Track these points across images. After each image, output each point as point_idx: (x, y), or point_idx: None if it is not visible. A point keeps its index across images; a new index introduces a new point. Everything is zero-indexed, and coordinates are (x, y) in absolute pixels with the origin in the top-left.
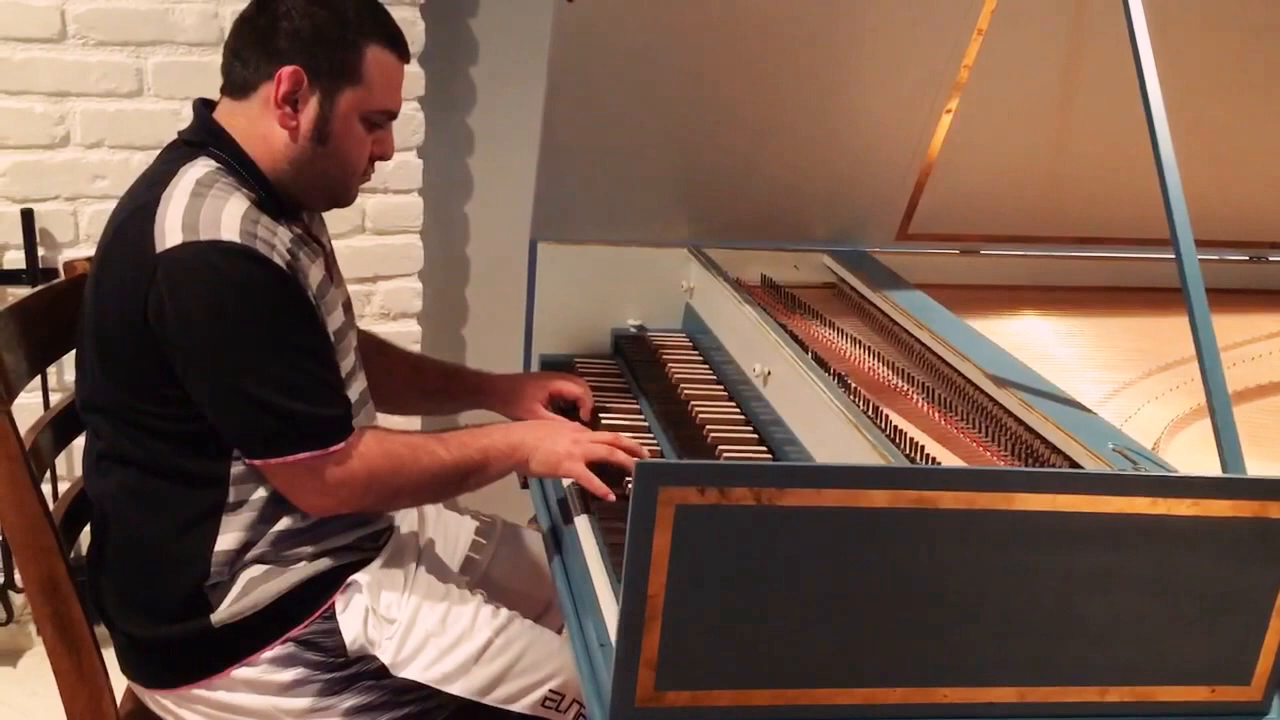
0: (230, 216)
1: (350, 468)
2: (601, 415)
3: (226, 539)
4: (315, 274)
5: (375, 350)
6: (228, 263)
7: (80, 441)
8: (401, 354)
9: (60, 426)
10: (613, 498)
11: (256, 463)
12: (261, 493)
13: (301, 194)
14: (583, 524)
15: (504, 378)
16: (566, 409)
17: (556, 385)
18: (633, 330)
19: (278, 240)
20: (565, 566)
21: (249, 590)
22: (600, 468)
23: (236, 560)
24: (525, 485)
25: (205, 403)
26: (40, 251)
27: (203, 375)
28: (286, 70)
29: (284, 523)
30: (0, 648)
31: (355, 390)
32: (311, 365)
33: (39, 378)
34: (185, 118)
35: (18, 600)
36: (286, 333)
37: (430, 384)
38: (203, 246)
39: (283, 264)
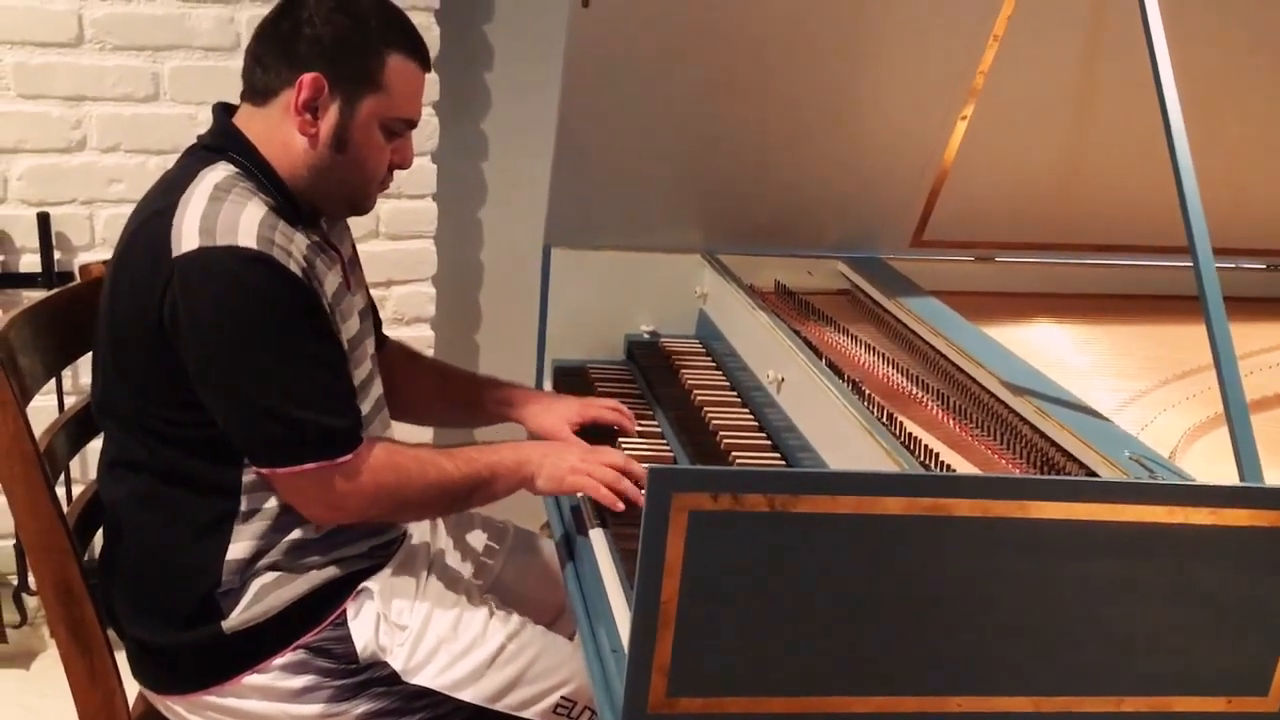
0: (248, 222)
1: (357, 480)
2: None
3: (238, 548)
4: (332, 281)
5: (404, 358)
6: (243, 268)
7: (95, 444)
8: (429, 363)
9: (75, 429)
10: (620, 507)
11: (263, 471)
12: (274, 502)
13: (320, 201)
14: (596, 534)
15: (537, 394)
16: (602, 435)
17: (593, 413)
18: (646, 336)
19: (294, 247)
20: (578, 572)
21: (261, 597)
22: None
23: (248, 568)
24: None
25: (215, 408)
26: (56, 255)
27: (213, 380)
28: (307, 77)
29: (296, 532)
30: (14, 650)
31: (370, 398)
32: (322, 374)
33: (54, 380)
34: (201, 122)
35: (31, 603)
36: (298, 340)
37: (459, 394)
38: (219, 251)
39: (299, 270)
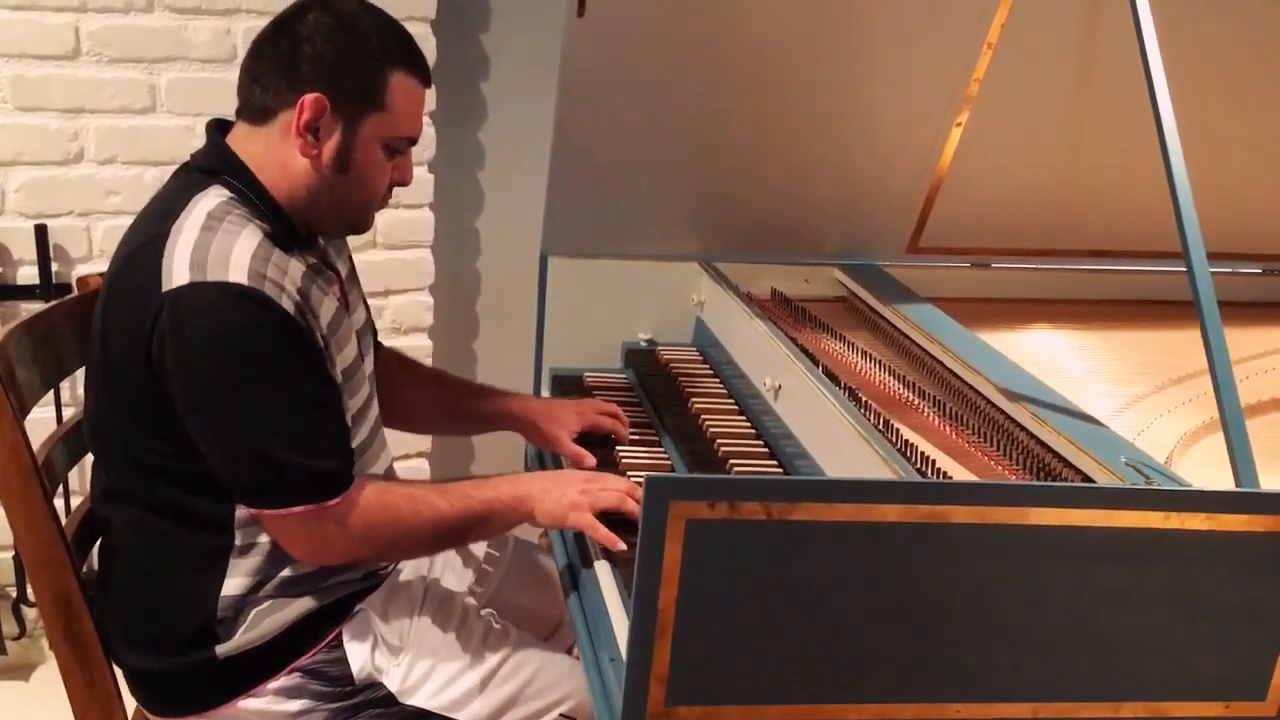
0: (240, 255)
1: (346, 522)
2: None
3: (234, 583)
4: (328, 307)
5: (398, 366)
6: (233, 306)
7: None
8: (426, 371)
9: (73, 441)
10: (623, 547)
11: (251, 511)
12: (268, 537)
13: (318, 222)
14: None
15: (536, 402)
16: (602, 441)
17: (591, 420)
18: (643, 344)
19: (288, 280)
20: (577, 582)
21: (256, 622)
22: (612, 517)
23: (243, 601)
24: None
25: (204, 446)
26: (54, 267)
27: (201, 420)
28: (309, 98)
29: (292, 567)
30: (13, 662)
31: (368, 423)
32: (313, 415)
33: (52, 392)
34: (198, 134)
35: (31, 614)
36: (289, 381)
37: (456, 402)
38: (209, 287)
39: (292, 305)
